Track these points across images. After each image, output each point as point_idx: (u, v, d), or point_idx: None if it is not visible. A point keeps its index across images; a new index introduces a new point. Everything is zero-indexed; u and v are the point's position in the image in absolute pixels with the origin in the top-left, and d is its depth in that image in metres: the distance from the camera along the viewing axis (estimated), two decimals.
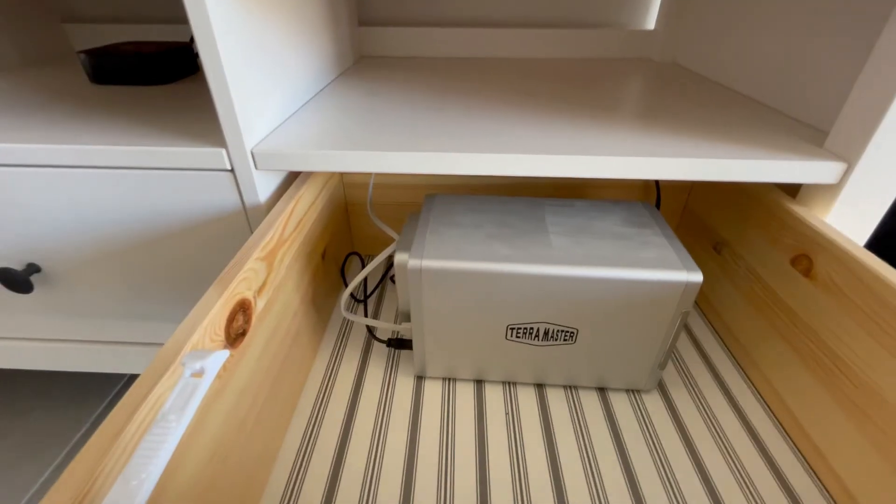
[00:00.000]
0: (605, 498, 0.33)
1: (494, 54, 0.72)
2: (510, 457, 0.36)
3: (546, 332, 0.38)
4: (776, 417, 0.39)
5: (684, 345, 0.47)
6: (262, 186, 0.39)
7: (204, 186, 0.38)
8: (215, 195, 0.39)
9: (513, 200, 0.43)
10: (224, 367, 0.27)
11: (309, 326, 0.43)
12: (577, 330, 0.37)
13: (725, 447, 0.37)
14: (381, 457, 0.36)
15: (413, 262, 0.35)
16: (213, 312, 0.26)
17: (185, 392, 0.19)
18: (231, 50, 0.33)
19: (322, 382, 0.42)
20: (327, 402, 0.40)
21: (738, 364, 0.44)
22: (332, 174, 0.50)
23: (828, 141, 0.37)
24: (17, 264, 0.44)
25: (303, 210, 0.40)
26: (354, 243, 0.62)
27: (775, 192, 0.41)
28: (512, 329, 0.38)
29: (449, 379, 0.43)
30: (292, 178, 0.45)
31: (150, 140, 0.38)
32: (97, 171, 0.38)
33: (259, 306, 0.32)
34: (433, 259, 0.35)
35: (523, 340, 0.38)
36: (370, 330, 0.44)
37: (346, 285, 0.53)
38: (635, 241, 0.37)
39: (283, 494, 0.33)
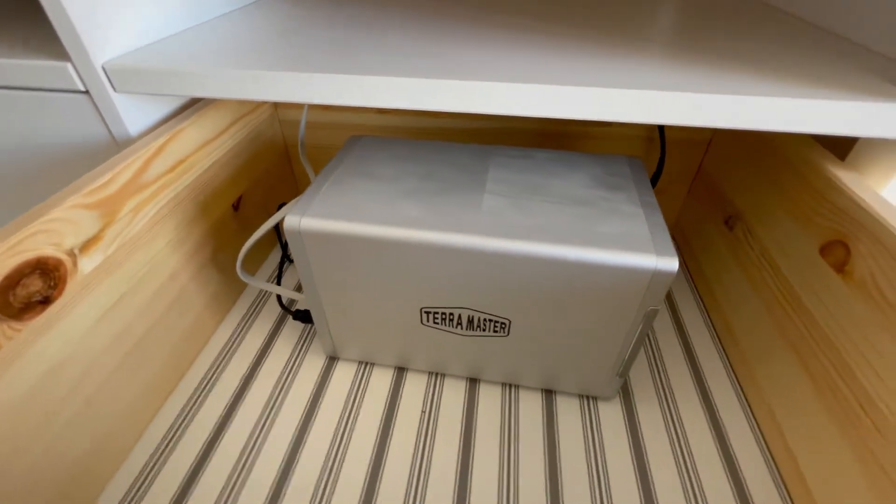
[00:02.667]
0: None
1: None
2: (412, 460, 0.29)
3: (470, 321, 0.29)
4: (772, 458, 0.29)
5: (671, 344, 0.37)
6: (133, 116, 0.31)
7: (57, 113, 0.31)
8: (74, 125, 0.31)
9: (456, 147, 0.34)
10: (4, 336, 0.21)
11: (206, 291, 0.36)
12: (510, 321, 0.28)
13: (691, 484, 0.28)
14: (262, 443, 0.30)
15: (290, 221, 0.27)
16: None
17: None
18: None
19: (218, 355, 0.36)
20: (218, 377, 0.34)
21: (736, 377, 0.34)
22: (256, 107, 0.42)
23: None
24: None
25: (188, 148, 0.33)
26: (302, 190, 0.54)
27: (814, 150, 0.29)
28: (427, 313, 0.29)
29: (366, 363, 0.35)
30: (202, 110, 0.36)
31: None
32: None
33: (85, 266, 0.25)
34: (316, 218, 0.27)
35: (443, 328, 0.30)
36: (279, 299, 0.37)
37: (281, 242, 0.45)
38: (599, 209, 0.27)
39: (136, 480, 0.28)
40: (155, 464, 0.29)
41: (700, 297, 0.41)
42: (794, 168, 0.29)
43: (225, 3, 0.39)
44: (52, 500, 0.24)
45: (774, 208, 0.31)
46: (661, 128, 0.39)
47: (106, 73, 0.29)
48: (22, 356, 0.22)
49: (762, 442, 0.30)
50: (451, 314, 0.29)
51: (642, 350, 0.36)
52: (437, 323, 0.30)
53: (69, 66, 0.29)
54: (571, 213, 0.27)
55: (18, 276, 0.22)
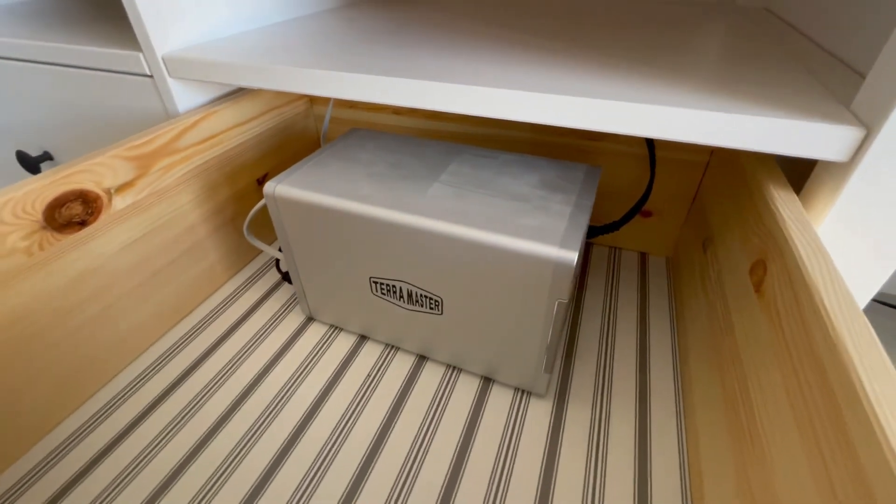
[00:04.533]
0: (411, 486, 0.28)
1: None
2: (342, 417, 0.33)
3: (410, 295, 0.32)
4: (688, 480, 0.28)
5: (627, 357, 0.37)
6: (183, 97, 0.39)
7: (132, 92, 0.40)
8: (141, 103, 0.40)
9: (433, 144, 0.37)
10: (40, 247, 0.29)
11: (220, 247, 0.43)
12: (442, 299, 0.31)
13: (593, 491, 0.28)
14: (229, 376, 0.35)
15: (268, 187, 0.32)
16: (21, 192, 0.27)
17: None
18: None
19: (219, 304, 0.43)
20: (214, 320, 0.41)
21: (681, 399, 0.33)
22: (291, 100, 0.49)
23: (857, 99, 0.24)
24: (34, 150, 0.52)
25: (219, 126, 0.40)
26: None
27: (769, 172, 0.28)
28: (375, 283, 0.33)
29: (336, 328, 0.40)
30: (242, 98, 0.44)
31: (95, 44, 0.41)
32: (56, 69, 0.42)
33: (118, 204, 0.33)
34: (288, 186, 0.32)
35: (388, 299, 0.34)
36: (277, 263, 0.43)
37: None
38: (531, 205, 0.29)
39: (127, 385, 0.35)
40: (148, 374, 0.36)
41: (674, 320, 0.40)
42: (749, 189, 0.29)
43: (278, 14, 0.47)
44: (59, 384, 0.32)
45: (733, 228, 0.30)
46: (650, 144, 0.40)
47: (164, 62, 0.37)
48: (58, 260, 0.30)
49: (684, 464, 0.29)
50: (393, 286, 0.32)
51: (595, 357, 0.37)
52: (384, 294, 0.33)
53: (140, 55, 0.37)
54: (503, 205, 0.29)
55: (64, 200, 0.29)
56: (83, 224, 0.31)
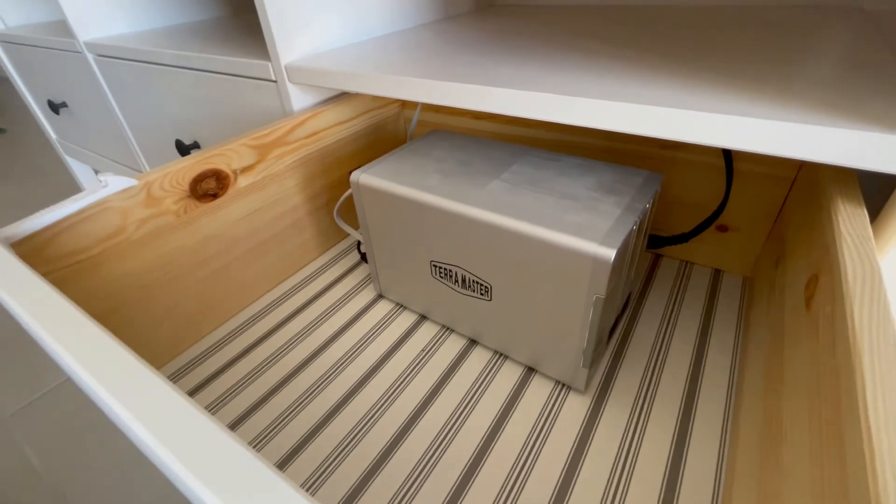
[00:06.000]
0: (438, 458, 0.31)
1: (638, 1, 0.62)
2: (392, 383, 0.37)
3: (463, 280, 0.36)
4: (720, 498, 0.28)
5: (678, 369, 0.36)
6: (298, 98, 0.47)
7: (260, 94, 0.49)
8: (266, 102, 0.49)
9: (502, 146, 0.40)
10: (184, 210, 0.37)
11: (316, 226, 0.50)
12: (491, 285, 0.34)
13: (615, 490, 0.29)
14: (302, 339, 0.42)
15: (354, 175, 0.38)
16: (176, 168, 0.36)
17: (90, 190, 0.29)
18: None
19: (307, 275, 0.50)
20: (300, 290, 0.48)
21: (730, 417, 0.32)
22: (385, 104, 0.55)
23: None
24: (187, 140, 0.66)
25: (323, 124, 0.47)
26: None
27: (843, 186, 0.26)
28: (435, 266, 0.37)
29: (400, 306, 0.45)
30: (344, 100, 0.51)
31: (236, 55, 0.50)
32: (200, 74, 0.53)
33: (241, 182, 0.41)
34: (370, 176, 0.37)
35: (445, 282, 0.37)
36: (358, 244, 0.49)
37: None
38: (581, 204, 0.31)
39: (232, 331, 0.43)
40: (248, 325, 0.44)
41: (738, 337, 0.38)
42: (819, 202, 0.27)
43: (382, 27, 0.53)
44: (187, 319, 0.40)
45: (801, 243, 0.29)
46: (727, 155, 0.38)
47: (286, 70, 0.45)
48: (194, 223, 0.38)
49: (720, 480, 0.28)
50: (450, 270, 0.36)
51: (644, 363, 0.36)
52: (442, 277, 0.37)
53: (269, 65, 0.46)
54: (554, 203, 0.31)
55: (203, 176, 0.38)
56: (215, 196, 0.39)
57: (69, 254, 0.31)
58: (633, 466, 0.30)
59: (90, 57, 0.71)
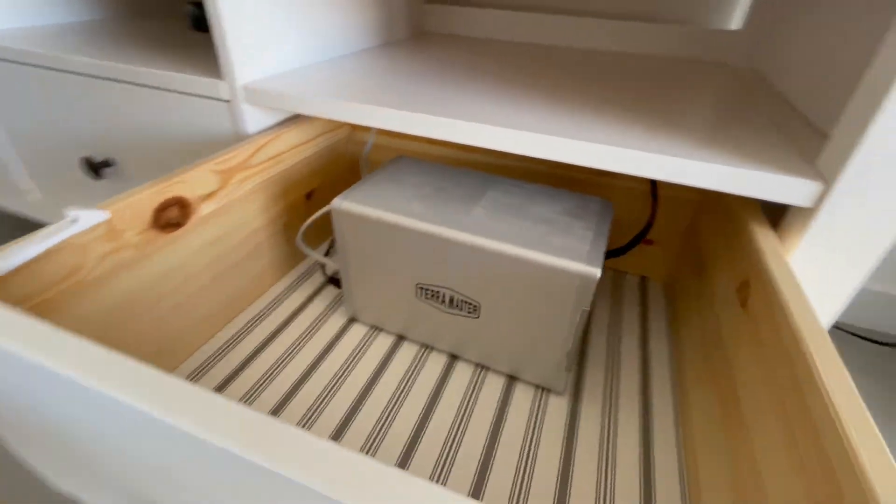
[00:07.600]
0: (449, 468, 0.33)
1: (558, 42, 0.70)
2: (385, 406, 0.37)
3: (451, 300, 0.38)
4: (685, 471, 0.34)
5: (631, 363, 0.42)
6: (254, 121, 0.45)
7: (204, 113, 0.46)
8: (211, 121, 0.46)
9: (471, 174, 0.43)
10: (145, 243, 0.34)
11: (275, 250, 0.49)
12: (480, 304, 0.37)
13: (605, 478, 0.33)
14: (282, 369, 0.40)
15: (335, 203, 0.38)
16: (136, 198, 0.32)
17: (56, 227, 0.25)
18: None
19: (271, 302, 0.47)
20: (266, 316, 0.46)
21: (678, 397, 0.39)
22: (338, 127, 0.55)
23: (821, 158, 0.30)
24: (99, 156, 0.58)
25: (282, 147, 0.46)
26: None
27: (753, 212, 0.35)
28: (421, 288, 0.39)
29: (375, 328, 0.45)
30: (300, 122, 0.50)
31: (175, 70, 0.47)
32: (131, 87, 0.48)
33: (204, 209, 0.38)
34: (352, 202, 0.37)
35: (432, 303, 0.39)
36: (322, 267, 0.49)
37: None
38: (556, 228, 0.35)
39: (205, 361, 0.39)
40: (211, 363, 0.40)
41: (670, 333, 0.46)
42: (735, 225, 0.35)
43: (334, 50, 0.54)
44: (157, 352, 0.36)
45: (722, 257, 0.37)
46: (653, 183, 0.46)
47: (243, 91, 0.43)
48: (157, 254, 0.35)
49: (681, 452, 0.35)
50: (437, 291, 0.38)
51: (603, 361, 0.42)
52: (429, 298, 0.39)
53: (220, 83, 0.43)
54: (534, 227, 0.35)
55: (167, 205, 0.35)
56: (178, 226, 0.36)
57: (20, 299, 0.26)
58: (614, 456, 0.35)
59: None
